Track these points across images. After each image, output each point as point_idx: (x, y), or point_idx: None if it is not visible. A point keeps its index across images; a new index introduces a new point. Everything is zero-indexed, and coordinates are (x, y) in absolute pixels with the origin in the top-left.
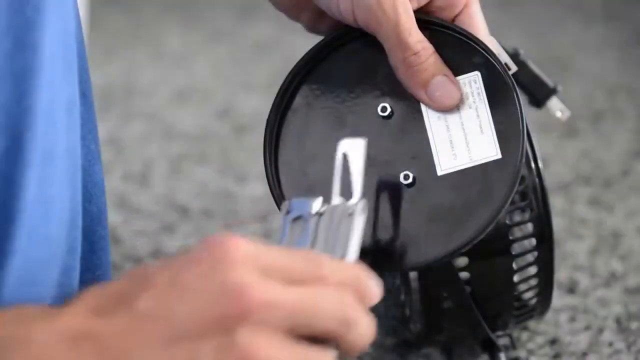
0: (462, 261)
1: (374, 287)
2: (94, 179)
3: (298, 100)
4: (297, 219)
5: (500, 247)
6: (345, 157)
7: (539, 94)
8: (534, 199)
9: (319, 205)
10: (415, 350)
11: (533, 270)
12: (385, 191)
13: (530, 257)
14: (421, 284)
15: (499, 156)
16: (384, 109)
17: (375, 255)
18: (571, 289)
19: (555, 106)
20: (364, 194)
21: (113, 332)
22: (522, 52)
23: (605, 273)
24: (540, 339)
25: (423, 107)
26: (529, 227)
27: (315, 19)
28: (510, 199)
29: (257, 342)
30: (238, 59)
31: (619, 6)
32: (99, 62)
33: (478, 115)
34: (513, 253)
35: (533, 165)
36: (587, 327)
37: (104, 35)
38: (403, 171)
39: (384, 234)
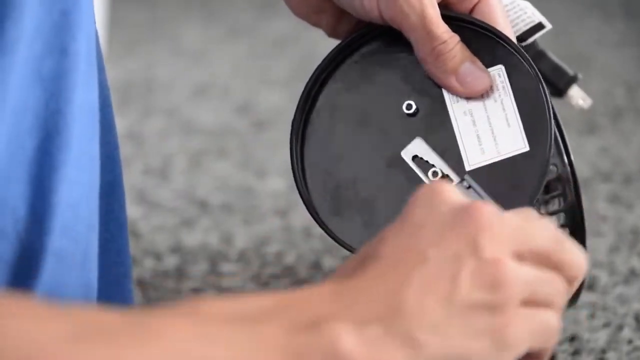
0: None
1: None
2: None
3: (322, 101)
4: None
5: None
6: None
7: (560, 83)
8: (567, 188)
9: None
10: None
11: None
12: (414, 189)
13: None
14: None
15: (527, 148)
16: (409, 107)
17: None
18: (590, 286)
19: (577, 94)
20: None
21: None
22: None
23: (625, 270)
24: (559, 336)
25: (448, 103)
26: (562, 217)
27: (336, 22)
28: (540, 191)
29: (507, 261)
30: (258, 54)
31: (639, 3)
32: (119, 57)
33: (504, 109)
34: None
35: (565, 156)
36: (607, 324)
37: (124, 30)
38: (431, 168)
39: None
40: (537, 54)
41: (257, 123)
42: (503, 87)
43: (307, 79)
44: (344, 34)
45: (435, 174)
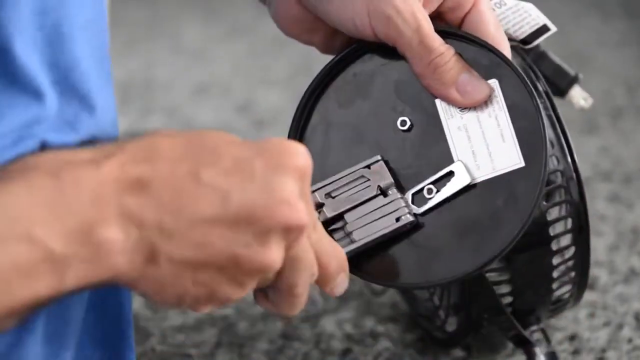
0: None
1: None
2: None
3: (316, 117)
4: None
5: (540, 242)
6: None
7: (561, 84)
8: (572, 190)
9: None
10: (434, 346)
11: (570, 264)
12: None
13: (568, 252)
14: (462, 285)
15: (523, 164)
16: (403, 123)
17: (403, 271)
18: (591, 285)
19: (578, 94)
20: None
21: (168, 188)
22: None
23: (625, 269)
24: (559, 335)
25: (443, 119)
26: (568, 220)
27: (328, 40)
28: (536, 208)
29: (277, 255)
30: (258, 54)
31: (638, 2)
32: (119, 55)
33: (498, 124)
34: (553, 249)
35: (569, 158)
36: (607, 324)
37: (123, 29)
38: (426, 187)
39: (411, 250)
40: (539, 55)
41: (257, 122)
42: (497, 102)
43: (307, 79)
44: (337, 49)
45: (430, 191)
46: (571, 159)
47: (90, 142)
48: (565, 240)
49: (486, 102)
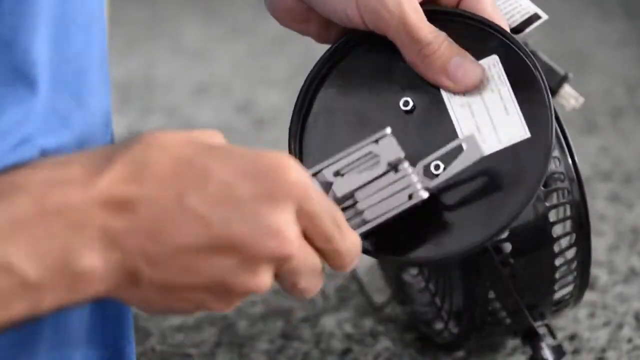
0: (506, 255)
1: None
2: None
3: (317, 105)
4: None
5: (542, 244)
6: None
7: (551, 83)
8: (572, 193)
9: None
10: (433, 346)
11: (572, 260)
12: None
13: (568, 248)
14: (466, 284)
15: (528, 135)
16: (406, 103)
17: (413, 245)
18: (591, 285)
19: (568, 94)
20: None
21: (154, 212)
22: (530, 41)
23: (625, 269)
24: (559, 335)
25: (445, 97)
26: (568, 222)
27: (323, 30)
28: (544, 177)
29: (266, 280)
30: (258, 53)
31: (639, 1)
32: (119, 55)
33: (501, 98)
34: (555, 250)
35: (568, 157)
36: (606, 323)
37: (123, 28)
38: (433, 162)
39: (419, 226)
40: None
41: (258, 122)
42: (499, 77)
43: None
44: (333, 38)
45: (437, 167)
46: (572, 159)
47: (83, 143)
48: (566, 241)
49: (487, 78)
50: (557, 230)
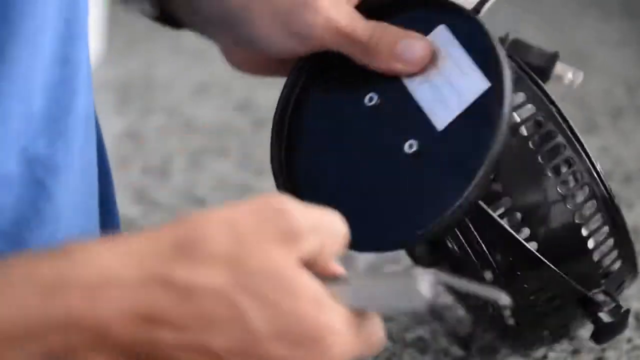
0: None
1: None
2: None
3: (293, 135)
4: None
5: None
6: None
7: (542, 64)
8: (593, 188)
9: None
10: (434, 346)
11: (605, 233)
12: (393, 168)
13: (598, 223)
14: (507, 276)
15: (489, 84)
16: (370, 99)
17: (392, 229)
18: None
19: (563, 70)
20: None
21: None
22: (508, 33)
23: None
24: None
25: (406, 82)
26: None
27: (285, 65)
28: (509, 112)
29: None
30: None
31: (639, 1)
32: (119, 55)
33: (455, 61)
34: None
35: (583, 153)
36: None
37: (123, 28)
38: (406, 142)
39: (404, 204)
40: (513, 44)
41: (257, 122)
42: (450, 42)
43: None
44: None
45: (411, 146)
46: (585, 154)
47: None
48: (602, 235)
49: (438, 48)
50: (589, 226)
